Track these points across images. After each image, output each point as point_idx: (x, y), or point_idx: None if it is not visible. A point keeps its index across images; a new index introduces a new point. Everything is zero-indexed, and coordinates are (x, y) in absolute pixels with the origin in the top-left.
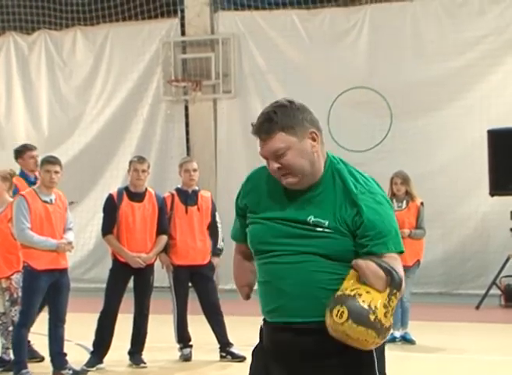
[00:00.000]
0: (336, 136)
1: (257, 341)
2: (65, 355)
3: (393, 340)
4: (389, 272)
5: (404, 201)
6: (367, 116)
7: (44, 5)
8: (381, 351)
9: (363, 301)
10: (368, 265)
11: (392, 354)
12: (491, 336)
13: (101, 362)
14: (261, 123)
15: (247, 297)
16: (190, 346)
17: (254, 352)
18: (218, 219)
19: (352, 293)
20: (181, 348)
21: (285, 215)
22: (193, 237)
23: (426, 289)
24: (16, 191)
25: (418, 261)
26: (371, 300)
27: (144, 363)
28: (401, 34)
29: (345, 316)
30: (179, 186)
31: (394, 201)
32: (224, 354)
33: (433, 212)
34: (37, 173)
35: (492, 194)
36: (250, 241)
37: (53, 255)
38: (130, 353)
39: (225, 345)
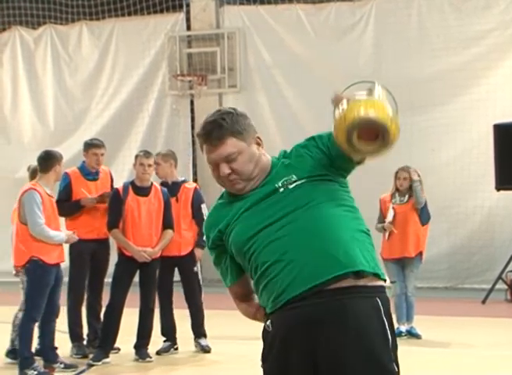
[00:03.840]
0: None
1: (254, 335)
2: (57, 348)
3: (399, 334)
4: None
5: (407, 196)
6: None
7: (49, 0)
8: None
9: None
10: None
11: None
12: (497, 330)
13: (107, 356)
14: (210, 130)
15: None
16: (166, 341)
17: (264, 358)
18: (204, 210)
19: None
20: (164, 341)
21: (254, 200)
22: (180, 227)
23: (432, 283)
24: (66, 181)
25: (421, 252)
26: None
27: (150, 357)
28: (406, 29)
29: (345, 102)
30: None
31: (397, 195)
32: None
33: (439, 206)
34: (100, 169)
35: (497, 188)
36: (237, 240)
37: (60, 248)
38: (136, 347)
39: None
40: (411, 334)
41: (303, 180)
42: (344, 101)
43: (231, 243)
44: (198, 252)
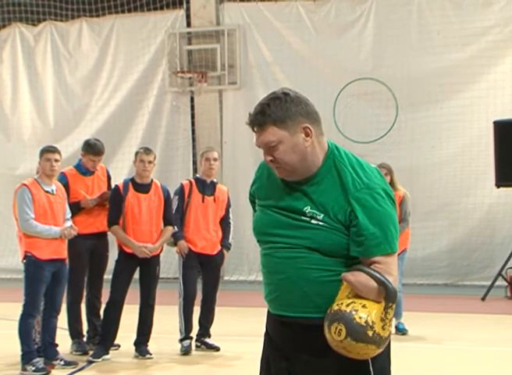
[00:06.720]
0: (341, 127)
1: (255, 332)
2: (57, 345)
3: None
4: (381, 282)
5: None
6: (372, 107)
7: None
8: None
9: (359, 317)
10: (356, 278)
11: (395, 345)
12: (496, 327)
13: (107, 353)
14: (255, 114)
15: None
16: (191, 338)
17: (264, 338)
18: (231, 215)
19: (348, 309)
20: (181, 340)
21: (282, 204)
22: (207, 226)
23: (432, 280)
24: (64, 181)
25: (405, 249)
26: (368, 315)
27: (150, 354)
28: (407, 25)
29: (343, 333)
30: (198, 175)
31: None
32: (199, 344)
33: (439, 203)
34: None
35: (497, 185)
36: (253, 228)
37: (56, 244)
38: (136, 344)
39: (201, 335)
40: (398, 330)
41: (324, 224)
42: (343, 332)
43: (253, 221)
44: (226, 254)
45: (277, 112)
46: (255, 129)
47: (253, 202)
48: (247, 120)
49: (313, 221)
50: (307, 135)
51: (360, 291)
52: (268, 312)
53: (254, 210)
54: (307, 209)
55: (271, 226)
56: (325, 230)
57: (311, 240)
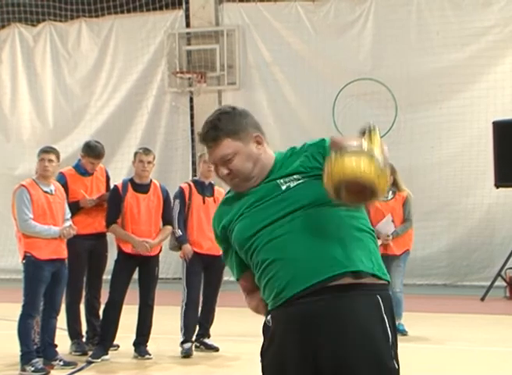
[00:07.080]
0: (340, 127)
1: (254, 332)
2: (56, 346)
3: None
4: (362, 129)
5: (390, 192)
6: (372, 107)
7: None
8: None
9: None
10: (341, 136)
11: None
12: (496, 327)
13: (106, 353)
14: (206, 131)
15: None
16: (192, 341)
17: (263, 353)
18: None
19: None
20: (182, 343)
21: (255, 198)
22: (210, 226)
23: (431, 281)
24: (62, 181)
25: (407, 250)
26: (353, 142)
27: (149, 355)
28: (406, 25)
29: (333, 155)
30: (196, 177)
31: None
32: (198, 344)
33: (438, 203)
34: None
35: (497, 185)
36: (238, 237)
37: (55, 243)
38: (135, 344)
39: (200, 335)
40: (398, 331)
41: (305, 179)
42: (332, 155)
43: (234, 240)
44: None
45: (228, 125)
46: (209, 144)
47: (228, 243)
48: (199, 139)
49: (292, 184)
50: (259, 143)
51: (344, 141)
52: (279, 307)
53: (232, 252)
54: (281, 180)
55: (258, 218)
56: (306, 183)
57: (302, 198)
